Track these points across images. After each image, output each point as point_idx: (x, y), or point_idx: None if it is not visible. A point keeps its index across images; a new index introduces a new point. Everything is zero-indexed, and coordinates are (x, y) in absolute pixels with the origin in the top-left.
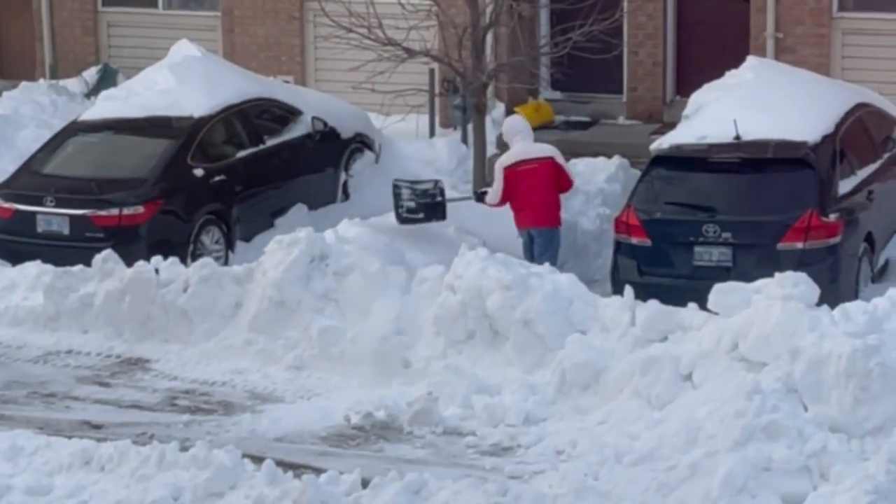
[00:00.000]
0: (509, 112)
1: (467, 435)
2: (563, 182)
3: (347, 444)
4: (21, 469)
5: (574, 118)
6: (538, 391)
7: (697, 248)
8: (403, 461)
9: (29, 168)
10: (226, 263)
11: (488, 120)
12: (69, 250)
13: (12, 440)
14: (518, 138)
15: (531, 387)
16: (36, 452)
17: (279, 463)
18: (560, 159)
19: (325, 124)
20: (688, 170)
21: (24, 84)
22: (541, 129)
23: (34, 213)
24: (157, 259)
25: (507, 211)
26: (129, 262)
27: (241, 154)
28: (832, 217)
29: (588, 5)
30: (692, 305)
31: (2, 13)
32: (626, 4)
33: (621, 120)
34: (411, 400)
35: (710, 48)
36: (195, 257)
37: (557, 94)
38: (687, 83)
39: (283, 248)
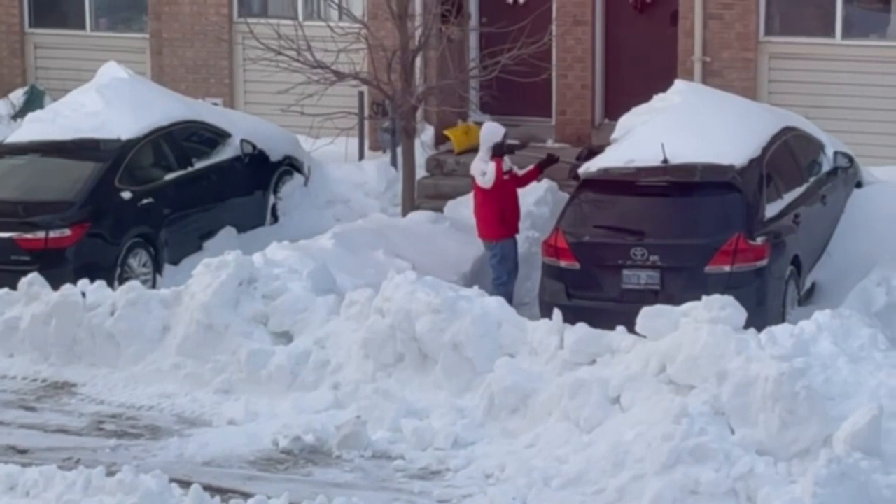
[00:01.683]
0: (439, 135)
1: (396, 458)
2: (488, 193)
3: (276, 468)
4: None
5: None
6: (467, 414)
7: (625, 272)
8: (332, 485)
9: None
10: (153, 287)
11: (417, 143)
12: None
13: None
14: (483, 147)
15: (460, 410)
16: None
17: (207, 487)
18: (477, 175)
19: (254, 147)
20: (616, 193)
21: None
22: (470, 151)
23: None
24: (83, 282)
25: (435, 235)
26: (56, 286)
27: (170, 177)
28: (759, 240)
29: (517, 29)
30: (620, 328)
31: None
32: (554, 28)
33: (550, 143)
34: (340, 423)
35: (638, 72)
36: (122, 280)
37: (487, 117)
38: (615, 107)
39: (212, 271)
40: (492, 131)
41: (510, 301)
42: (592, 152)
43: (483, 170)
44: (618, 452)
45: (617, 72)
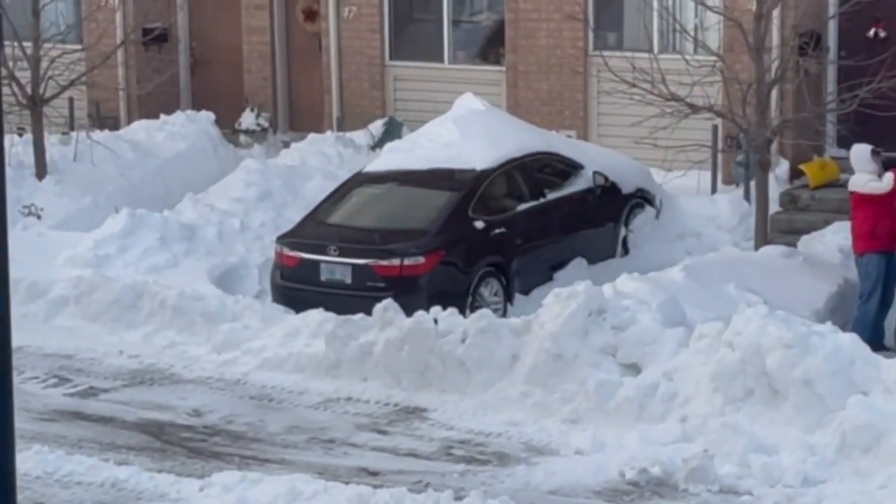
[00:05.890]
0: (793, 170)
1: (743, 494)
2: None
3: (622, 499)
4: None
5: None
6: (817, 452)
7: None
8: None
9: (314, 217)
10: (504, 315)
11: (772, 177)
12: (351, 299)
13: (291, 484)
14: (856, 169)
15: (810, 447)
16: (314, 497)
17: None
18: (860, 184)
19: (606, 179)
20: None
21: (311, 136)
22: (826, 187)
23: (318, 262)
24: (436, 309)
25: (788, 269)
26: (409, 312)
27: (522, 207)
28: None
29: (877, 62)
30: None
31: (292, 67)
32: None
33: None
34: (687, 457)
35: None
36: (473, 309)
37: (843, 152)
38: None
39: (562, 301)
40: (860, 149)
41: (870, 323)
42: None
43: (872, 178)
44: None
45: None
